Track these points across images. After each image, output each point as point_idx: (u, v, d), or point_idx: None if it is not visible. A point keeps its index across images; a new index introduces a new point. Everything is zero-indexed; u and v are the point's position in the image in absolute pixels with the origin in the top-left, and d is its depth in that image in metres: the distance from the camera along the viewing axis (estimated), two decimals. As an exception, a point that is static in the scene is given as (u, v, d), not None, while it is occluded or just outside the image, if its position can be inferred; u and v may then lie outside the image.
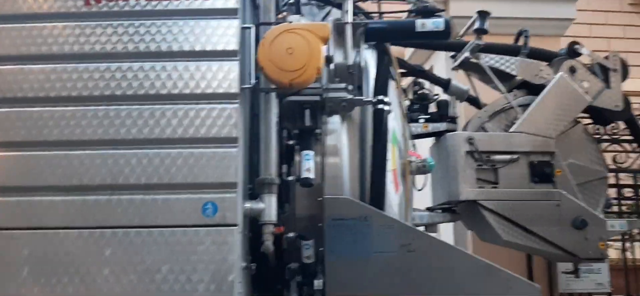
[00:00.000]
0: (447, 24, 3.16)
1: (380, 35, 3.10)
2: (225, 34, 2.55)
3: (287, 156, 2.87)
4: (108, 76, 2.53)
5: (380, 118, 2.96)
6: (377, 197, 2.90)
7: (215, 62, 2.54)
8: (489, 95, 4.54)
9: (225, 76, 2.53)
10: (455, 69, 4.57)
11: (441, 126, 4.24)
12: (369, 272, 2.79)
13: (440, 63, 5.80)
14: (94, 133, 2.49)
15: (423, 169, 3.29)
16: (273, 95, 2.73)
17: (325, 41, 2.62)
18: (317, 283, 2.73)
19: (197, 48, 2.54)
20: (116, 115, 2.50)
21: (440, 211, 4.22)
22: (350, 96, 2.87)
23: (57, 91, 2.52)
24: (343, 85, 2.85)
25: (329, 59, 2.70)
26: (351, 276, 2.78)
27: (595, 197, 4.15)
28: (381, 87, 3.04)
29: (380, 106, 2.97)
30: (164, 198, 2.46)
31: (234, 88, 2.53)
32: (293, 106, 2.88)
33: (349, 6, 2.91)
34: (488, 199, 3.98)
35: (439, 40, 3.62)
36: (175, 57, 2.54)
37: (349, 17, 2.91)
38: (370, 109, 3.02)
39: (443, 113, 4.29)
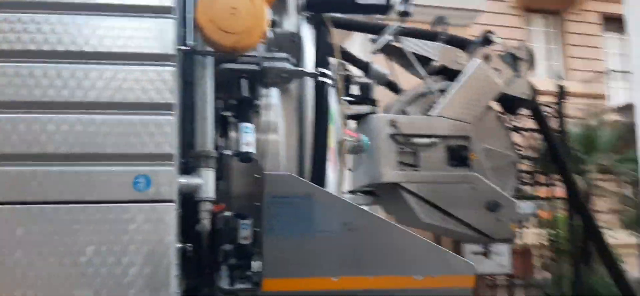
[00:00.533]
0: (388, -2, 3.09)
1: (320, 5, 2.96)
2: (159, -11, 2.27)
3: (222, 128, 2.64)
4: (20, 28, 2.16)
5: (322, 93, 2.82)
6: (319, 174, 2.77)
7: (149, 19, 2.26)
8: (404, 80, 4.58)
9: (160, 35, 2.26)
10: (374, 52, 4.56)
11: (364, 108, 4.20)
12: (310, 252, 2.65)
13: (354, 47, 5.78)
14: (1, 94, 2.11)
15: (357, 148, 3.20)
16: (210, 60, 2.49)
17: (270, 4, 2.43)
18: (256, 265, 2.54)
19: (128, 2, 2.25)
20: (30, 74, 2.14)
21: (361, 194, 4.18)
22: (291, 67, 2.70)
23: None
24: (284, 55, 2.67)
25: (273, 24, 2.52)
26: (291, 256, 2.63)
27: (507, 180, 4.32)
28: (322, 60, 2.89)
29: (322, 79, 2.83)
30: (87, 170, 2.15)
31: (170, 50, 2.27)
32: (228, 74, 2.65)
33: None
34: (409, 181, 4.00)
35: (379, 14, 3.54)
36: (101, 11, 2.22)
37: (291, -18, 2.74)
38: (308, 83, 2.87)
39: (366, 96, 4.25)
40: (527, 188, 5.83)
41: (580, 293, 5.44)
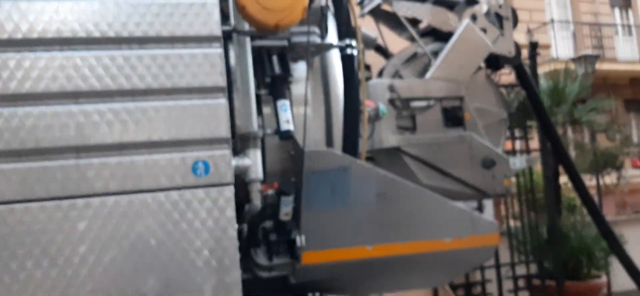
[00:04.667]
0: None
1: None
2: (203, -31, 2.20)
3: (257, 107, 2.62)
4: (71, 17, 2.05)
5: (351, 65, 2.83)
6: (352, 146, 2.80)
7: (194, 2, 2.19)
8: (392, 43, 4.64)
9: (206, 17, 2.20)
10: (363, 15, 4.57)
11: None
12: (347, 223, 2.71)
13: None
14: (51, 85, 2.01)
15: (376, 117, 3.25)
16: (248, 39, 2.45)
17: (308, -21, 2.40)
18: (300, 240, 2.57)
19: (173, -14, 2.16)
20: (79, 63, 2.04)
21: (362, 159, 4.24)
22: (319, 41, 2.69)
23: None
24: (313, 28, 2.65)
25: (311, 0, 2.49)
26: (328, 228, 2.68)
27: (498, 137, 4.49)
28: (346, 30, 2.89)
29: (349, 51, 2.83)
30: (145, 159, 2.10)
31: (217, 31, 2.22)
32: (259, 52, 2.62)
33: (318, -56, 2.70)
34: (409, 145, 4.09)
35: None
36: (148, -3, 2.14)
37: (317, -48, 2.70)
38: (332, 55, 2.87)
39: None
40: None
41: (554, 239, 5.79)
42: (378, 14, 4.53)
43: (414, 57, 4.43)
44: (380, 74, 4.42)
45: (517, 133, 5.95)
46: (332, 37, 2.90)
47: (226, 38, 2.46)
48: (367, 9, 4.44)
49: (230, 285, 2.12)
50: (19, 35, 2.01)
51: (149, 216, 2.08)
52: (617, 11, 17.53)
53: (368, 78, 4.22)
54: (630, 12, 17.72)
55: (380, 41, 4.68)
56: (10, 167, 1.95)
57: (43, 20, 2.04)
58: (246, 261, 2.73)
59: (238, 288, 2.14)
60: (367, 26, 4.63)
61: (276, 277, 2.70)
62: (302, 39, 2.65)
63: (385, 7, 4.43)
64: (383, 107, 3.31)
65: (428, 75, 4.24)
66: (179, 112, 2.14)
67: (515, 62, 4.76)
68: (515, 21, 4.73)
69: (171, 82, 2.14)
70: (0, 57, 1.99)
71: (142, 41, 2.12)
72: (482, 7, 4.59)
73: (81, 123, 2.02)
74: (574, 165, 4.74)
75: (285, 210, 2.58)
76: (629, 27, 17.43)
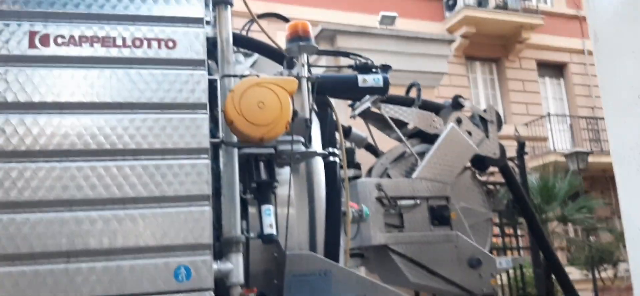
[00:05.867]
0: (386, 80, 3.34)
1: (327, 89, 3.17)
2: (195, 87, 2.42)
3: (242, 211, 2.77)
4: (71, 131, 2.25)
5: (333, 171, 3.00)
6: (333, 250, 2.93)
7: (185, 115, 2.39)
8: (381, 143, 4.84)
9: (196, 130, 2.40)
10: (353, 117, 4.80)
11: (349, 173, 4.40)
12: (327, 326, 2.79)
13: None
14: (48, 194, 2.18)
15: (360, 219, 3.39)
16: (235, 149, 2.64)
17: (292, 95, 2.61)
18: (278, 342, 2.65)
19: (166, 100, 2.38)
20: (75, 173, 2.23)
21: (349, 258, 4.34)
22: (304, 149, 2.88)
23: None
24: (299, 137, 2.85)
25: (295, 113, 2.70)
26: (309, 331, 2.76)
27: (484, 236, 4.60)
28: (330, 138, 3.09)
29: (332, 158, 3.01)
30: (130, 264, 2.23)
31: (205, 143, 2.41)
32: (246, 159, 2.80)
33: (305, 60, 2.94)
34: (396, 243, 4.20)
35: (378, 95, 3.80)
36: (141, 109, 2.35)
37: (305, 71, 2.93)
38: (317, 161, 3.05)
39: (350, 160, 4.45)
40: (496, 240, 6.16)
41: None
42: (368, 115, 4.75)
43: (402, 156, 4.62)
44: (369, 172, 4.59)
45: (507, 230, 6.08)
46: (317, 144, 3.09)
47: (216, 147, 2.65)
48: (357, 111, 4.67)
49: None
50: (23, 148, 2.21)
51: (132, 320, 2.18)
52: (613, 105, 17.89)
53: (357, 177, 4.41)
54: (626, 107, 18.08)
55: (370, 140, 4.89)
56: (4, 271, 2.09)
57: (46, 133, 2.24)
58: None
59: None
60: (358, 126, 4.86)
61: None
62: (288, 147, 2.83)
63: (374, 109, 4.66)
64: (366, 208, 3.46)
65: (415, 175, 4.41)
66: (165, 219, 2.29)
67: (500, 163, 4.94)
68: (500, 124, 4.95)
69: (160, 191, 2.30)
70: (4, 167, 2.17)
71: (136, 153, 2.31)
72: (466, 111, 4.82)
73: (73, 231, 2.17)
74: (558, 259, 4.82)
75: (266, 312, 2.67)
76: (626, 120, 17.73)
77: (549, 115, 15.66)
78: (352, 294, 2.81)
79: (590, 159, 10.42)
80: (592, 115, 16.61)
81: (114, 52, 2.38)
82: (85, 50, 2.35)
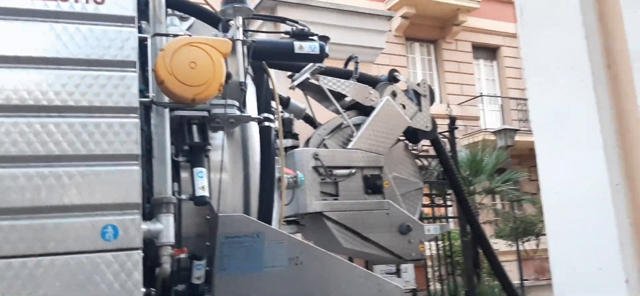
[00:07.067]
0: (322, 48, 3.36)
1: (263, 54, 3.15)
2: (124, 44, 2.36)
3: (175, 172, 2.74)
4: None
5: (268, 136, 3.01)
6: (266, 213, 2.95)
7: (114, 73, 2.33)
8: (320, 114, 4.89)
9: (125, 89, 2.34)
10: (292, 88, 4.82)
11: (286, 142, 4.42)
12: (259, 287, 2.83)
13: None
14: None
15: (294, 184, 3.42)
16: (167, 110, 2.60)
17: (226, 56, 2.59)
18: (207, 302, 2.66)
19: (94, 56, 2.31)
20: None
21: (285, 224, 4.39)
22: (238, 113, 2.87)
23: None
24: (233, 101, 2.83)
25: (228, 76, 2.67)
26: (241, 292, 2.79)
27: (414, 205, 4.76)
28: (265, 104, 3.09)
29: (267, 123, 3.02)
30: (55, 222, 2.18)
31: (134, 102, 2.36)
32: (179, 121, 2.76)
33: (240, 23, 2.91)
34: (331, 210, 4.28)
35: (314, 62, 3.81)
36: (68, 65, 2.27)
37: (240, 34, 2.91)
38: (251, 125, 3.05)
39: (287, 130, 4.48)
40: (426, 209, 6.37)
41: (472, 300, 6.07)
42: (307, 87, 4.78)
43: (338, 128, 4.69)
44: (307, 143, 4.63)
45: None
46: (252, 109, 3.09)
47: (147, 107, 2.61)
48: (296, 82, 4.69)
49: (136, 346, 2.18)
50: (-63, 100, 2.10)
51: (57, 278, 2.14)
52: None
53: (295, 146, 4.44)
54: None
55: (309, 112, 4.92)
56: None
57: (-38, 86, 2.14)
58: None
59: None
60: (297, 98, 4.88)
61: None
62: (222, 110, 2.81)
63: (313, 81, 4.69)
64: (301, 175, 3.50)
65: (350, 145, 4.49)
66: (92, 178, 2.24)
67: (431, 136, 5.10)
68: (433, 98, 5.10)
69: (86, 149, 2.25)
70: None
71: (60, 110, 2.24)
72: (401, 85, 4.93)
73: (-4, 186, 2.09)
74: (483, 230, 5.06)
75: (197, 273, 2.67)
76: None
77: (481, 95, 16.19)
78: (284, 255, 2.85)
79: (518, 138, 10.93)
80: (521, 96, 17.32)
81: (39, 5, 2.29)
82: (9, 1, 2.25)
